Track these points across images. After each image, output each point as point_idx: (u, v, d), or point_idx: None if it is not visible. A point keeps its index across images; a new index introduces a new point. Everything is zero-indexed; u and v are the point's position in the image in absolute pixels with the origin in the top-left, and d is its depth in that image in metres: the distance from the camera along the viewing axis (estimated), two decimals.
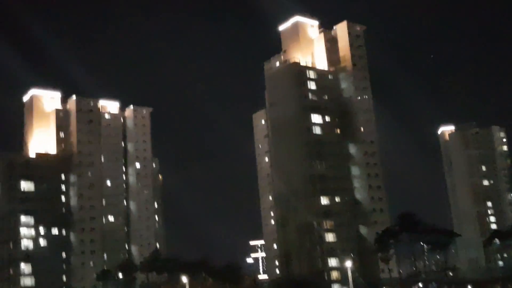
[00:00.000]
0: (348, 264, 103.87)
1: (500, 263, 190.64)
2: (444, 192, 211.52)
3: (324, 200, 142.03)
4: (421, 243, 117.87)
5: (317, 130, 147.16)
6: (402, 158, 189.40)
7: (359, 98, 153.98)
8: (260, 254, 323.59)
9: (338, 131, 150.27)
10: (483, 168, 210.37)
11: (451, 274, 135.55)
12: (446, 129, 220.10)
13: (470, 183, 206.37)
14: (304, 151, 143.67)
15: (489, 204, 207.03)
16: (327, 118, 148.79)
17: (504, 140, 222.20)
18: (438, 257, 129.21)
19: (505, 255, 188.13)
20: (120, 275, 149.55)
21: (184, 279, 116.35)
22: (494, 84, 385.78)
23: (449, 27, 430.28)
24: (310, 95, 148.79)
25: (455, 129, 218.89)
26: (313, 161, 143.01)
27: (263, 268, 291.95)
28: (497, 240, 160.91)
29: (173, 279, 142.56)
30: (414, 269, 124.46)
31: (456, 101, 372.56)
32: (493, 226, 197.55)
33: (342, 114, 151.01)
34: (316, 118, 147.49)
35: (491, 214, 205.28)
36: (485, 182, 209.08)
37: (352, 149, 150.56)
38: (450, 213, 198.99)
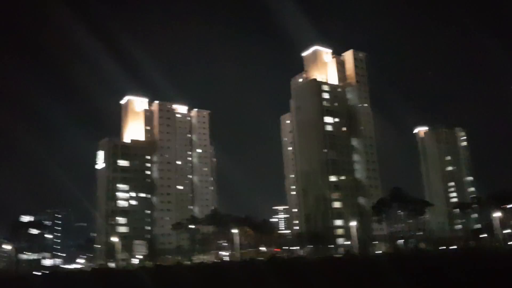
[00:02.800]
0: (353, 223, 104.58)
1: (459, 226, 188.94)
2: (420, 175, 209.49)
3: (334, 178, 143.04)
4: (405, 210, 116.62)
5: (329, 128, 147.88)
6: (391, 149, 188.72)
7: (361, 105, 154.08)
8: (282, 216, 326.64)
9: (345, 129, 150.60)
10: (449, 157, 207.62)
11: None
12: (422, 129, 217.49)
13: (440, 168, 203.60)
14: (320, 143, 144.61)
15: (452, 183, 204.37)
16: (337, 119, 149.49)
17: (464, 137, 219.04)
18: (416, 221, 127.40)
19: (463, 220, 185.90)
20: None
21: (234, 230, 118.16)
22: (458, 94, 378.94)
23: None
24: (324, 102, 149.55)
25: (429, 129, 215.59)
26: (327, 150, 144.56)
27: (284, 225, 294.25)
28: (458, 210, 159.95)
29: (226, 231, 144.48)
30: (400, 229, 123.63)
31: (430, 107, 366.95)
32: (455, 200, 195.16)
33: (348, 116, 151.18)
34: (328, 119, 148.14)
35: (454, 191, 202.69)
36: (450, 168, 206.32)
37: (355, 142, 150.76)
38: (424, 191, 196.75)
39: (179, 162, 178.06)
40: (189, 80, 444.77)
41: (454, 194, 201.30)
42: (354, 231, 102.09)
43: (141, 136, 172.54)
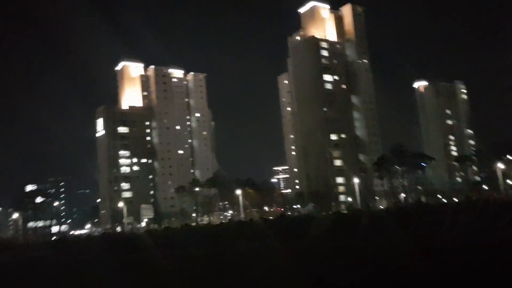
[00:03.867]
0: (356, 180, 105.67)
1: (459, 179, 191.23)
2: (419, 130, 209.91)
3: (334, 136, 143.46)
4: (406, 165, 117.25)
5: (328, 86, 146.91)
6: (390, 105, 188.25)
7: (360, 61, 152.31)
8: (282, 176, 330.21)
9: (344, 86, 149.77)
10: (448, 111, 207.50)
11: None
12: (421, 84, 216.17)
13: (439, 122, 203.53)
14: (319, 101, 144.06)
15: (452, 137, 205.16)
16: (336, 77, 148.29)
17: (464, 90, 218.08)
18: (417, 175, 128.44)
19: (462, 173, 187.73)
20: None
21: (238, 191, 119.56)
22: (459, 48, 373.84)
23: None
24: (323, 60, 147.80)
25: (428, 84, 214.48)
26: (326, 109, 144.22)
27: (284, 186, 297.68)
28: (457, 163, 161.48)
29: (228, 193, 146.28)
30: (401, 184, 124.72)
31: (430, 62, 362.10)
32: (454, 153, 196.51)
33: (347, 73, 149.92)
34: (327, 77, 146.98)
35: (453, 145, 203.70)
36: (449, 122, 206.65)
37: (354, 99, 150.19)
38: (423, 145, 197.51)
39: (178, 127, 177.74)
40: (184, 43, 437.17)
41: (454, 148, 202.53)
42: (356, 188, 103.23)
43: (138, 102, 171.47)
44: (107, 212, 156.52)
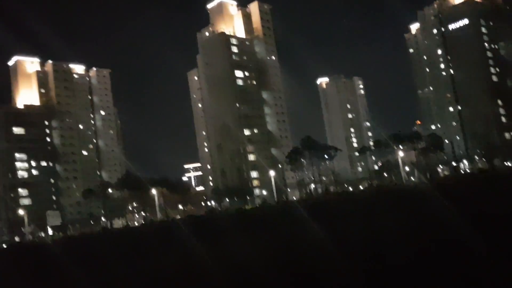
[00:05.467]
0: (272, 173, 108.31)
1: (360, 169, 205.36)
2: (323, 123, 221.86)
3: (247, 132, 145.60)
4: (316, 157, 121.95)
5: (240, 82, 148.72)
6: (297, 101, 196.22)
7: (268, 58, 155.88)
8: (193, 174, 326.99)
9: (255, 82, 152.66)
10: (348, 106, 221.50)
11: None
12: (323, 80, 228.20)
13: (341, 117, 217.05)
14: (231, 98, 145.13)
15: (352, 130, 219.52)
16: (247, 73, 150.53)
17: (362, 86, 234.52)
18: (325, 166, 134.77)
19: (362, 163, 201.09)
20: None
21: (154, 191, 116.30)
22: (356, 44, 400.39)
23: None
24: (234, 56, 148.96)
25: (329, 79, 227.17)
26: (239, 105, 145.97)
27: (195, 183, 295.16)
28: (358, 154, 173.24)
29: (140, 193, 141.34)
30: (311, 176, 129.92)
31: (332, 57, 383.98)
32: (355, 145, 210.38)
33: (258, 70, 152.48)
34: (239, 73, 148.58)
35: (354, 137, 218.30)
36: (350, 116, 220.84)
37: (265, 95, 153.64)
38: (327, 138, 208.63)
39: (81, 126, 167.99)
40: (85, 39, 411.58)
41: (354, 140, 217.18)
42: (272, 181, 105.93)
43: (35, 101, 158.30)
44: (2, 222, 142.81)
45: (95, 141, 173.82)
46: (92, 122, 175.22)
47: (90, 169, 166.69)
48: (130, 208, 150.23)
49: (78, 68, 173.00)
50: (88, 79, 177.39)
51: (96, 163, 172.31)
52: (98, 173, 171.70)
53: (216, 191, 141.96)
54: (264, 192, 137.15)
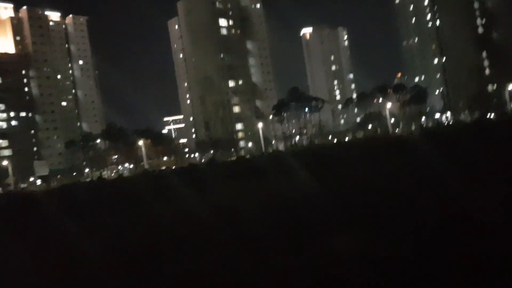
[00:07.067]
0: (260, 125, 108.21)
1: (342, 121, 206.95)
2: (306, 76, 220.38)
3: (231, 83, 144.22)
4: (302, 109, 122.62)
5: (223, 31, 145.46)
6: (282, 52, 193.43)
7: (253, 6, 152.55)
8: (173, 126, 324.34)
9: (239, 31, 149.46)
10: (332, 57, 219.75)
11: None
12: (307, 31, 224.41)
13: (324, 69, 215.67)
14: (215, 47, 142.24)
15: (336, 82, 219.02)
16: (231, 22, 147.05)
17: (346, 37, 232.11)
18: (310, 119, 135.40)
19: (345, 115, 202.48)
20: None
21: (140, 142, 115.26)
22: None
23: None
24: (217, 3, 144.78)
25: (313, 30, 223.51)
26: (222, 55, 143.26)
27: (175, 136, 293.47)
28: (340, 106, 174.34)
29: (123, 145, 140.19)
30: (298, 128, 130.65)
31: (316, 8, 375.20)
32: (338, 98, 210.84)
33: (242, 18, 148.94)
34: (223, 22, 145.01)
35: (337, 89, 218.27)
36: (333, 67, 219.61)
37: (249, 45, 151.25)
38: (309, 90, 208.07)
39: (59, 76, 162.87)
40: None
41: (338, 92, 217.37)
42: (260, 133, 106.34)
43: (10, 49, 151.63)
44: None
45: (73, 91, 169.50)
46: (70, 72, 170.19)
47: (69, 119, 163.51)
48: (117, 158, 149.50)
49: (54, 15, 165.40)
50: (64, 26, 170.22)
51: (76, 114, 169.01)
52: (79, 124, 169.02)
53: (200, 143, 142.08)
54: (250, 144, 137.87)
